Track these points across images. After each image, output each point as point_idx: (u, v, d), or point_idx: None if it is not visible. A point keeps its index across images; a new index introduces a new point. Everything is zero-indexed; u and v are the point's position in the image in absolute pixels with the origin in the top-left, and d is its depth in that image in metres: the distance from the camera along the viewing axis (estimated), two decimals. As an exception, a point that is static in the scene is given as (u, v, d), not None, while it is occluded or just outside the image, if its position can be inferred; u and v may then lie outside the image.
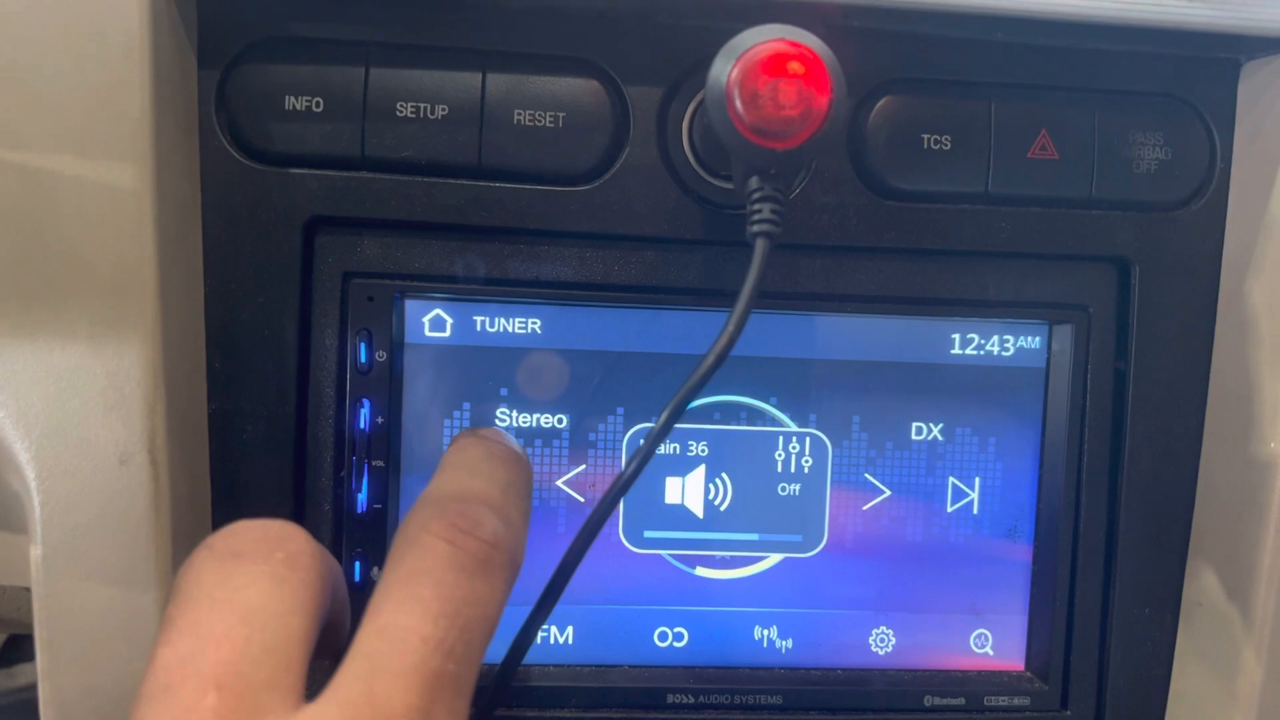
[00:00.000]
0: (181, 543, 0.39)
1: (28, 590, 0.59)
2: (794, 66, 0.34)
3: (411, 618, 0.28)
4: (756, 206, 0.36)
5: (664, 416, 0.34)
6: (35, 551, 0.37)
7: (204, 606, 0.28)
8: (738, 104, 0.34)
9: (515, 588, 0.44)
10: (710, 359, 0.34)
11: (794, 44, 0.34)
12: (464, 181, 0.41)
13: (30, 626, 0.63)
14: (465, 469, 0.34)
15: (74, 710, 0.38)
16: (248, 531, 0.30)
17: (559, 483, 0.45)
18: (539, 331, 0.44)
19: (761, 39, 0.34)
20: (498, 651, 0.39)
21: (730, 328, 0.34)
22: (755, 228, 0.35)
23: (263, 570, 0.29)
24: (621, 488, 0.34)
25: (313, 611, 0.29)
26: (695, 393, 0.34)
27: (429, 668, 0.27)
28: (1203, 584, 0.45)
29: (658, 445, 0.34)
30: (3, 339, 0.37)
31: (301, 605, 0.28)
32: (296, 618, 0.28)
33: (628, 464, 0.34)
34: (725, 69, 0.34)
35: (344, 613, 0.33)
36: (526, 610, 0.35)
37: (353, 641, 0.28)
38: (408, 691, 0.26)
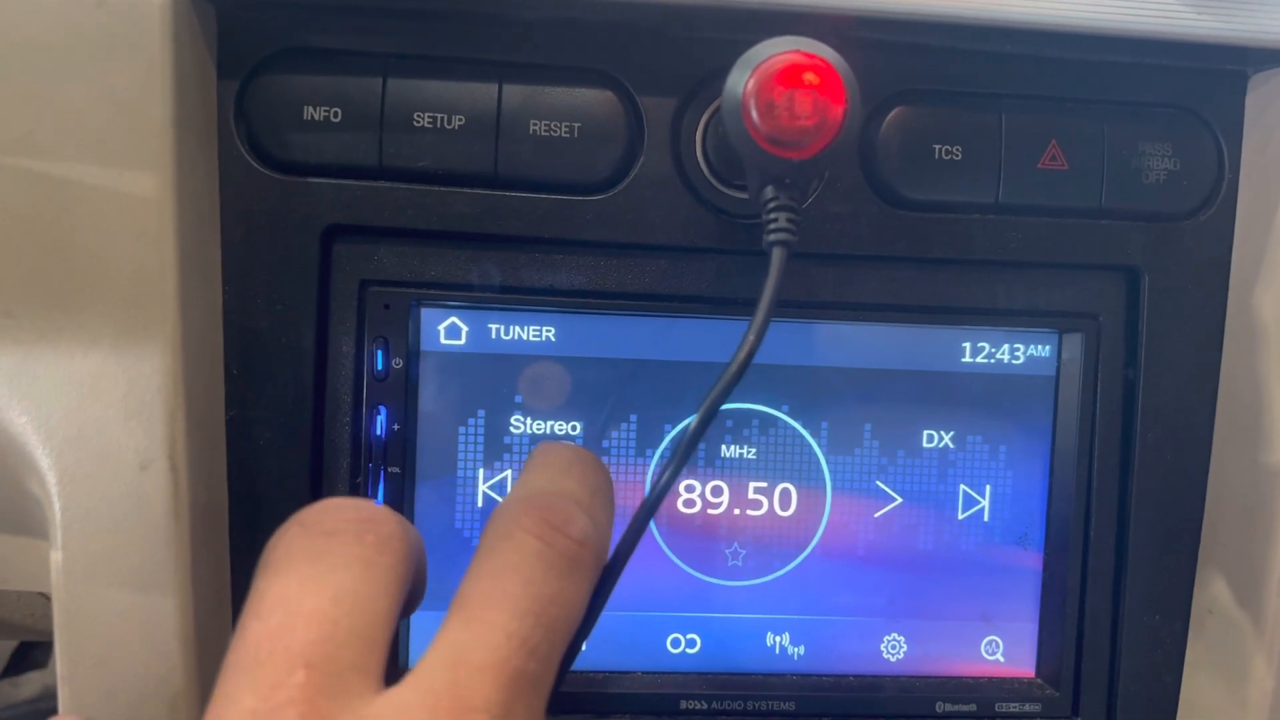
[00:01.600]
0: (200, 548, 0.39)
1: (41, 596, 0.60)
2: (809, 77, 0.34)
3: (499, 613, 0.28)
4: (772, 216, 0.36)
5: (694, 425, 0.34)
6: (56, 556, 0.37)
7: (294, 583, 0.28)
8: (754, 114, 0.35)
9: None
10: (734, 367, 0.34)
11: (809, 55, 0.35)
12: (480, 191, 0.41)
13: (42, 633, 0.63)
14: (556, 468, 0.34)
15: (94, 715, 0.38)
16: (340, 510, 0.30)
17: (572, 490, 0.45)
18: (553, 340, 0.44)
19: (777, 50, 0.35)
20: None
21: (751, 336, 0.35)
22: (772, 236, 0.36)
23: (354, 553, 0.29)
24: (656, 499, 0.34)
25: (398, 595, 0.29)
26: (722, 400, 0.35)
27: (512, 665, 0.27)
28: (1213, 591, 0.46)
29: (690, 453, 0.35)
30: (25, 346, 0.37)
31: (388, 590, 0.29)
32: (383, 602, 0.28)
33: (659, 476, 0.34)
34: (741, 80, 0.35)
35: (422, 585, 0.33)
36: None
37: (440, 630, 0.28)
38: (490, 686, 0.27)
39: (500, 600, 0.29)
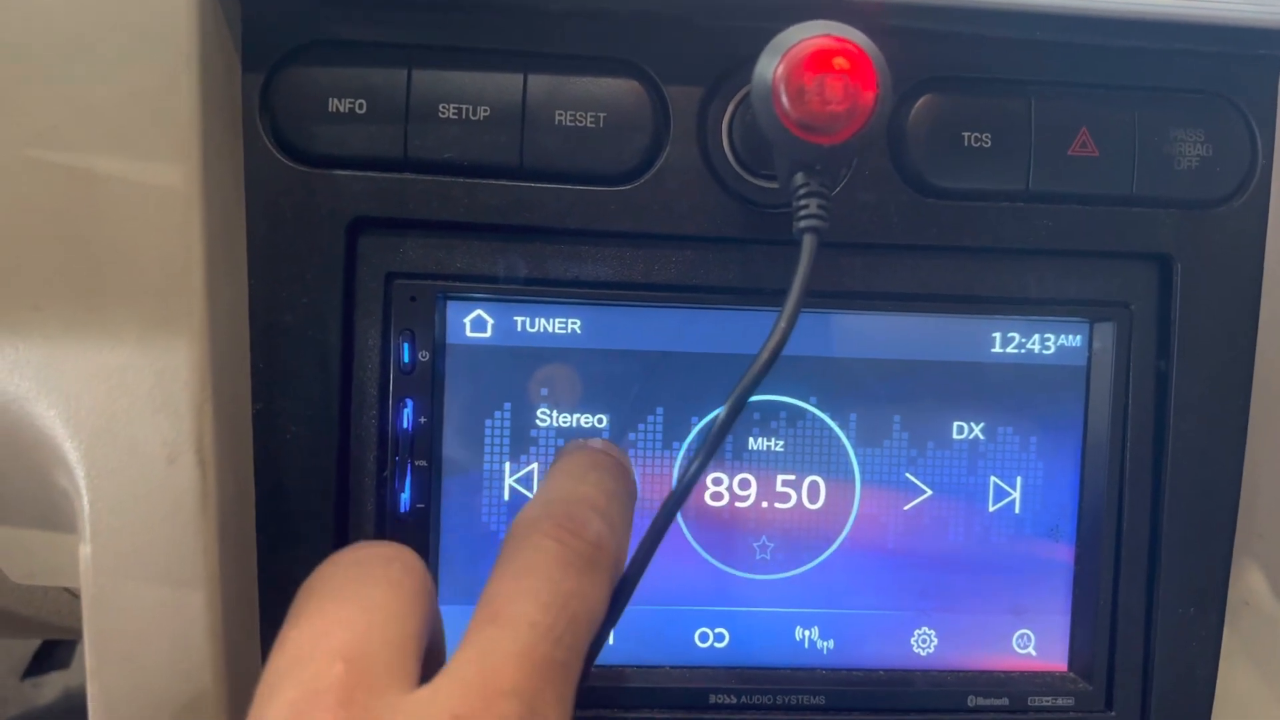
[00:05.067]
0: (228, 541, 0.39)
1: (67, 593, 0.60)
2: (840, 62, 0.34)
3: (523, 605, 0.30)
4: (803, 202, 0.36)
5: (721, 420, 0.34)
6: (84, 550, 0.37)
7: (329, 599, 0.30)
8: (784, 100, 0.34)
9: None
10: (764, 356, 0.34)
11: (840, 39, 0.34)
12: (505, 182, 0.41)
13: (68, 630, 0.63)
14: (572, 475, 0.36)
15: (122, 709, 0.38)
16: (368, 547, 0.33)
17: (599, 483, 0.45)
18: (579, 331, 0.44)
19: (807, 35, 0.34)
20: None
21: (782, 324, 0.34)
22: (802, 223, 0.35)
23: (382, 574, 0.31)
24: (683, 492, 0.34)
25: (424, 616, 0.31)
26: (753, 390, 0.34)
27: (539, 652, 0.29)
28: (1249, 583, 0.45)
29: (714, 452, 0.35)
30: (53, 339, 0.37)
31: (415, 608, 0.30)
32: (411, 619, 0.30)
33: (687, 467, 0.34)
34: (771, 65, 0.35)
35: (440, 638, 0.34)
36: None
37: (467, 630, 0.30)
38: (518, 672, 0.28)
39: (523, 595, 0.30)
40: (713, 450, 0.35)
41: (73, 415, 0.37)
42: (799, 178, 0.36)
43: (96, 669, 0.38)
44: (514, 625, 0.29)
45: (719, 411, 0.35)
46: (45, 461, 0.38)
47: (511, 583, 0.31)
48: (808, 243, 0.35)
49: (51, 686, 1.13)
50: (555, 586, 0.30)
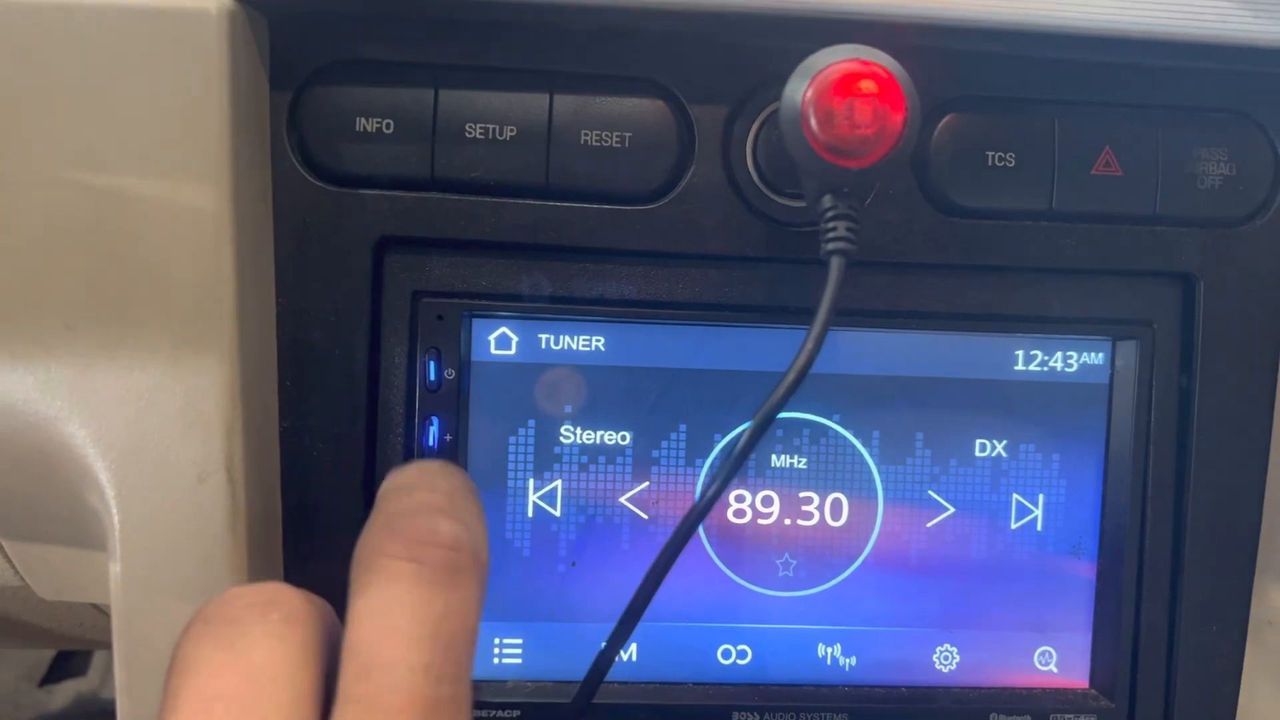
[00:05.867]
0: (256, 559, 0.39)
1: (92, 607, 0.60)
2: (868, 85, 0.34)
3: (393, 649, 0.27)
4: (831, 225, 0.36)
5: (747, 436, 0.34)
6: (114, 569, 0.38)
7: (206, 672, 0.27)
8: (813, 123, 0.34)
9: (591, 605, 0.45)
10: (791, 376, 0.34)
11: (868, 63, 0.34)
12: (532, 201, 0.41)
13: (90, 643, 0.64)
14: (404, 489, 0.32)
15: (151, 726, 0.38)
16: (238, 598, 0.29)
17: (623, 499, 0.45)
18: (603, 349, 0.44)
19: (836, 59, 0.34)
20: (578, 670, 0.39)
21: (809, 345, 0.34)
22: (830, 245, 0.36)
23: (260, 630, 0.28)
24: (704, 509, 0.34)
25: (317, 666, 0.28)
26: (779, 409, 0.35)
27: (422, 697, 0.26)
28: (1272, 601, 0.45)
29: (739, 467, 0.35)
30: (84, 358, 0.37)
31: (306, 661, 0.28)
32: (302, 673, 0.27)
33: (708, 486, 0.34)
34: (800, 88, 0.35)
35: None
36: (607, 628, 0.36)
37: (338, 687, 0.27)
38: None
39: (389, 637, 0.27)
40: (736, 468, 0.35)
41: (103, 434, 0.37)
42: (827, 200, 0.36)
43: (126, 685, 0.38)
44: (389, 674, 0.27)
45: (743, 429, 0.35)
46: (76, 480, 0.38)
47: (372, 622, 0.28)
48: (835, 265, 0.35)
49: (64, 693, 1.14)
50: (422, 615, 0.28)
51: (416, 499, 0.31)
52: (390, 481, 0.33)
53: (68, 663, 1.09)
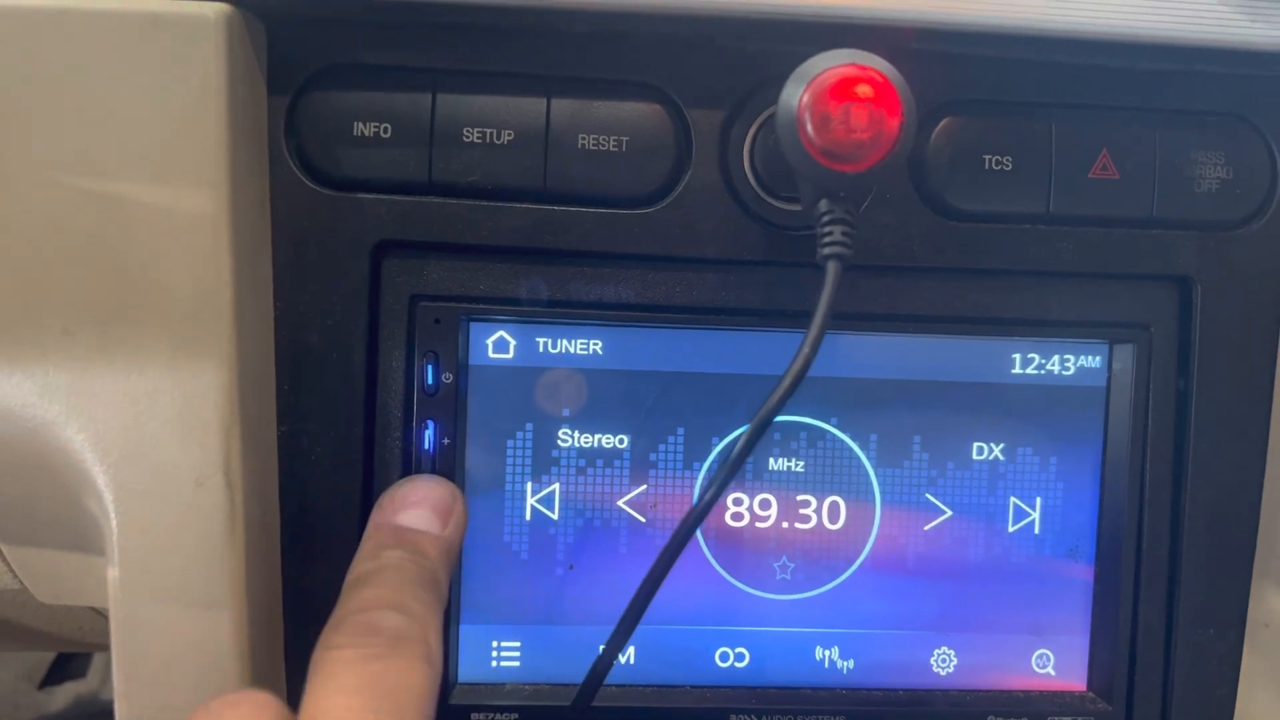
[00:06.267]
0: (255, 563, 0.39)
1: (90, 610, 0.60)
2: (864, 90, 0.34)
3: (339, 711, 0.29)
4: (827, 229, 0.36)
5: (744, 439, 0.34)
6: (113, 573, 0.38)
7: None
8: (809, 128, 0.35)
9: (589, 608, 0.45)
10: (788, 380, 0.34)
11: (864, 68, 0.35)
12: (529, 205, 0.42)
13: (89, 646, 0.64)
14: (357, 582, 0.36)
15: (150, 730, 0.38)
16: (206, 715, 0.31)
17: (620, 503, 0.45)
18: (600, 353, 0.44)
19: (832, 63, 0.35)
20: (576, 673, 0.39)
21: (806, 349, 0.34)
22: (827, 250, 0.36)
23: None
24: (702, 511, 0.34)
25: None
26: (776, 412, 0.35)
27: None
28: (1269, 604, 0.45)
29: (736, 470, 0.35)
30: (82, 363, 0.37)
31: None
32: None
33: (706, 489, 0.35)
34: (796, 93, 0.35)
35: None
36: (605, 631, 0.36)
37: None
38: None
39: (344, 716, 0.30)
40: (734, 471, 0.35)
41: (101, 439, 0.37)
42: (823, 204, 0.36)
43: (125, 689, 0.38)
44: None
45: (740, 432, 0.35)
46: (74, 485, 0.38)
47: (326, 700, 0.30)
48: (832, 269, 0.36)
49: (63, 694, 1.14)
50: (369, 687, 0.30)
51: (363, 597, 0.34)
52: (353, 569, 0.37)
53: (67, 665, 1.09)
